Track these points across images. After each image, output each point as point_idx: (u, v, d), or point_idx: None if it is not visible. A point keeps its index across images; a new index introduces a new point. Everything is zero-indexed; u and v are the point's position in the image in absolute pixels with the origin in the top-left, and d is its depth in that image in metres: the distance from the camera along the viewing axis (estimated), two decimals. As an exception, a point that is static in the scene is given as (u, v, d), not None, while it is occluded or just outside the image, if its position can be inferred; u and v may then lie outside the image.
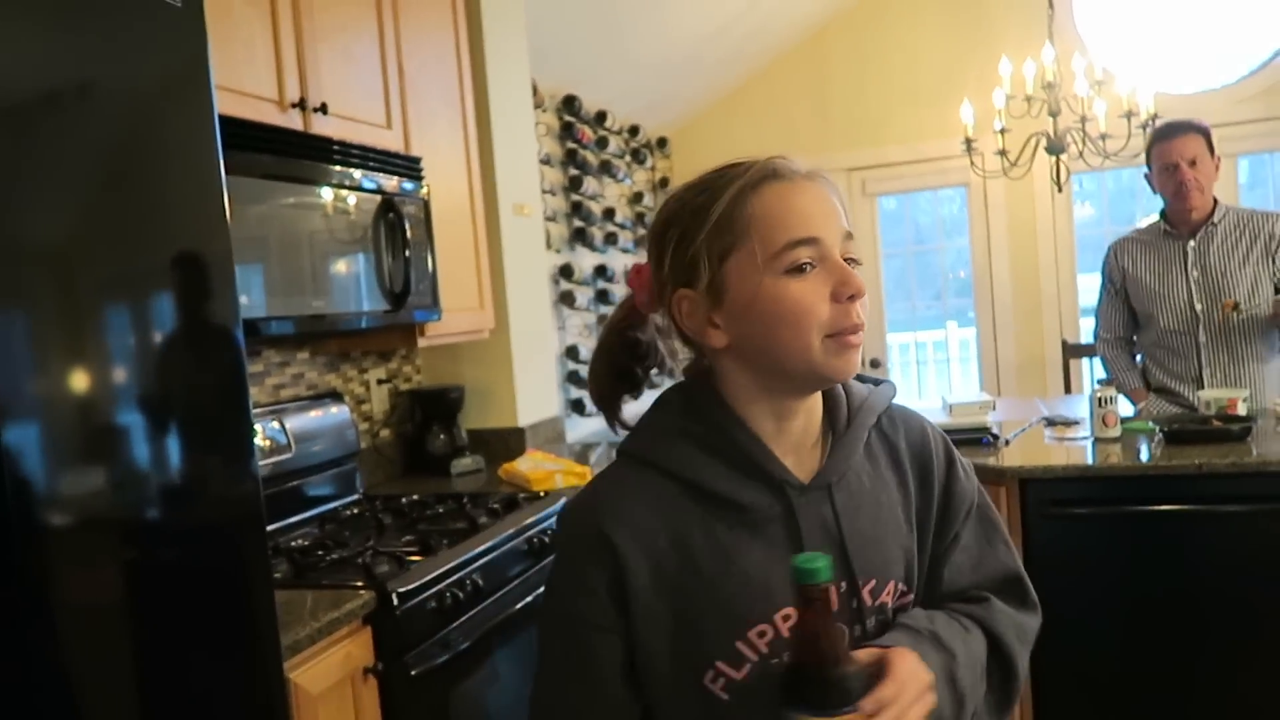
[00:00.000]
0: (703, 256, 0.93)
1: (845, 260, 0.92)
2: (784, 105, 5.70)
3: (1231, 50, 5.10)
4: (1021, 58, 4.24)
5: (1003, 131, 4.04)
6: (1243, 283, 2.81)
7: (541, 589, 2.25)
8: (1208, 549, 2.34)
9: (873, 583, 0.97)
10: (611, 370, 1.04)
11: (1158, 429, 2.56)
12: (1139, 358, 3.13)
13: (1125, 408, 2.97)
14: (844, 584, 0.96)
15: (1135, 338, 3.13)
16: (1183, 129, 2.83)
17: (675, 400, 1.00)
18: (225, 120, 1.84)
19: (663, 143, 5.80)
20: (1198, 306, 2.85)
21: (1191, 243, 2.88)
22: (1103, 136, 4.02)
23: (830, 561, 0.83)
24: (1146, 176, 2.96)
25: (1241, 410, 2.55)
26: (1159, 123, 2.97)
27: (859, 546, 0.96)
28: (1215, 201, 2.89)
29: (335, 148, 2.23)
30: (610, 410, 1.05)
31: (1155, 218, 3.02)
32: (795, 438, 0.97)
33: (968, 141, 4.06)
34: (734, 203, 0.92)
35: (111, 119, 1.24)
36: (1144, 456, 2.41)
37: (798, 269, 0.90)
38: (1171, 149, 2.82)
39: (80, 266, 1.19)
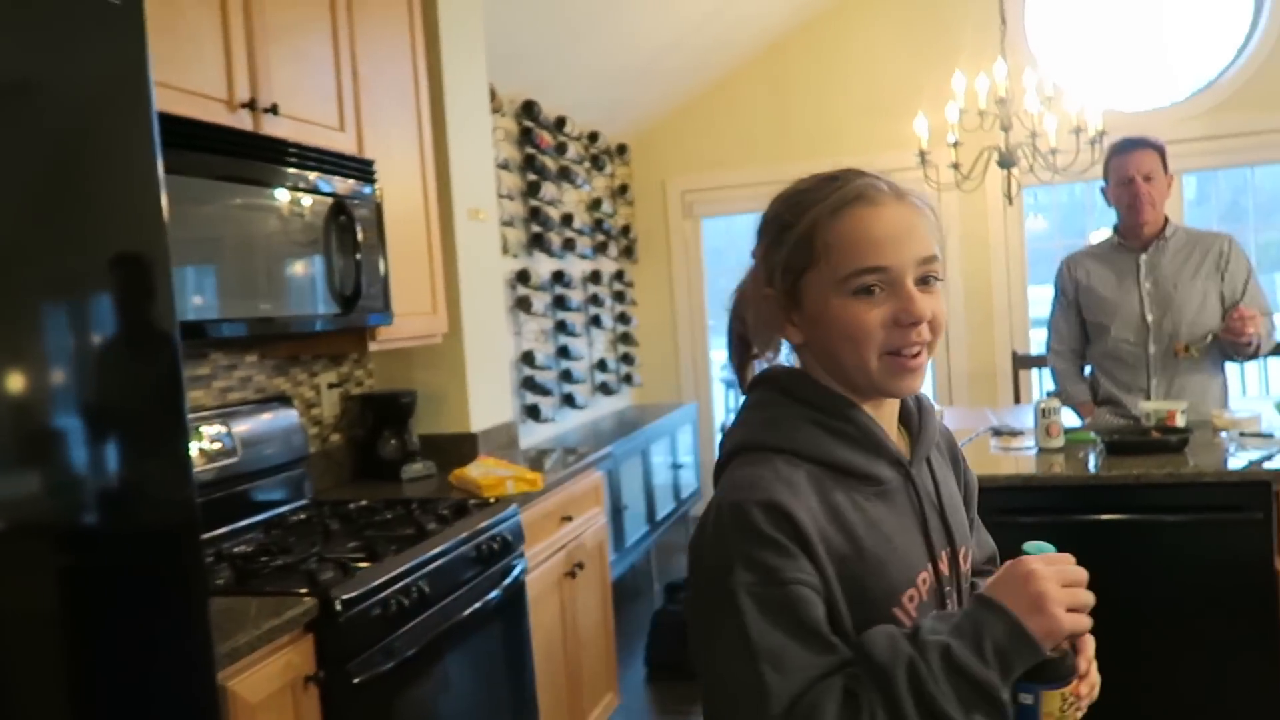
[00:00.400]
0: (784, 267, 1.02)
1: (925, 279, 0.98)
2: (743, 114, 5.74)
3: (1178, 69, 5.22)
4: (975, 73, 4.31)
5: (956, 145, 4.10)
6: (1193, 297, 2.87)
7: (493, 594, 2.26)
8: (1147, 557, 2.39)
9: (964, 549, 1.09)
10: (736, 336, 1.12)
11: (1099, 439, 2.61)
12: (1088, 370, 3.18)
13: (1070, 419, 3.02)
14: (948, 550, 1.05)
15: (1086, 351, 3.17)
16: (1140, 145, 2.90)
17: (777, 394, 1.05)
18: (173, 120, 1.83)
19: (622, 149, 5.81)
20: (1149, 317, 2.91)
21: (1144, 256, 2.94)
22: (1052, 151, 4.10)
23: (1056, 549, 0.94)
24: (1103, 190, 3.02)
25: (1180, 422, 2.61)
26: (1116, 138, 3.03)
27: (953, 515, 1.08)
28: (1166, 219, 2.96)
29: (285, 149, 2.21)
30: (738, 373, 1.12)
31: (1108, 232, 3.08)
32: (886, 421, 1.05)
33: (922, 154, 4.11)
34: (813, 226, 0.99)
35: (47, 118, 1.22)
36: (1090, 467, 2.45)
37: (865, 291, 0.97)
38: (1128, 163, 2.88)
39: (12, 267, 1.17)
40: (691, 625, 0.99)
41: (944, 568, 1.04)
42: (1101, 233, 3.21)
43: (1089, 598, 0.90)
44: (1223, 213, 5.95)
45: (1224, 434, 2.65)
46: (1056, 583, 0.89)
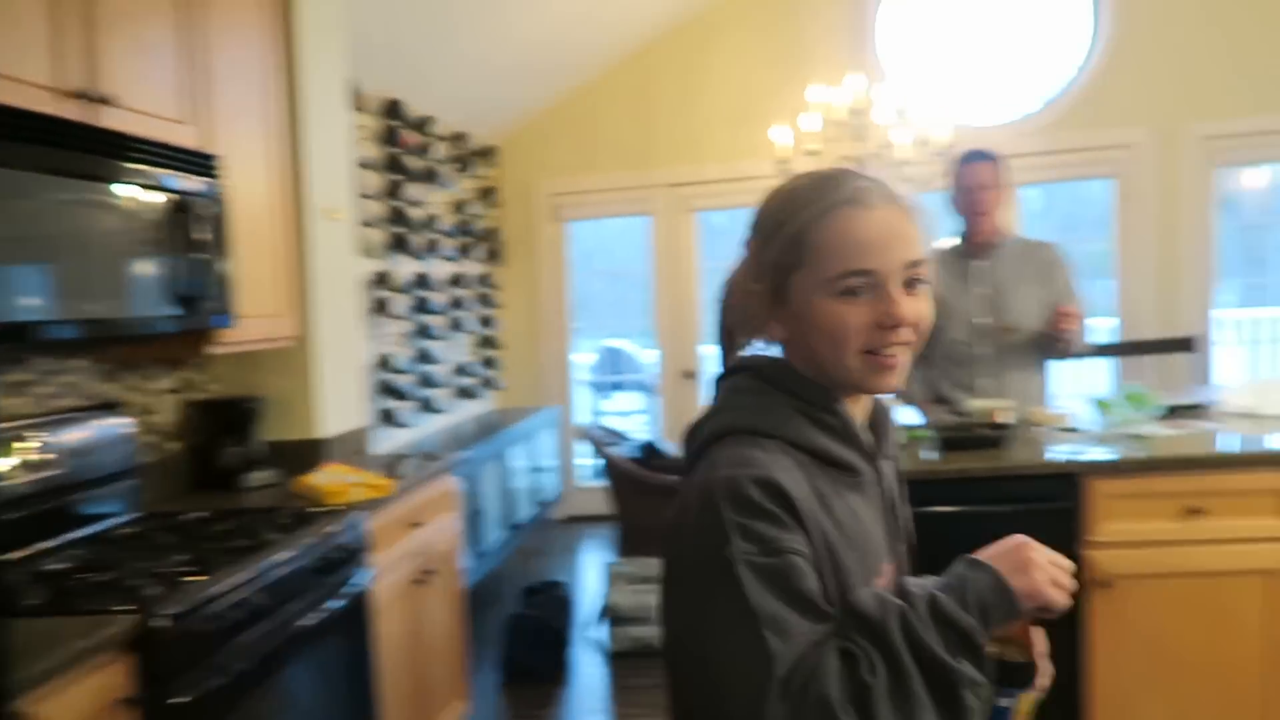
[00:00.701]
0: (773, 266, 1.03)
1: (910, 282, 1.00)
2: (611, 118, 5.78)
3: (1021, 87, 5.52)
4: (832, 84, 4.46)
5: (814, 154, 4.23)
6: (1023, 302, 3.05)
7: (334, 604, 2.21)
8: (976, 546, 2.51)
9: (910, 543, 1.14)
10: (723, 326, 1.14)
11: (935, 436, 2.74)
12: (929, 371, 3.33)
13: (915, 417, 3.15)
14: (901, 544, 1.11)
15: (927, 352, 3.32)
16: (978, 156, 3.07)
17: (760, 383, 1.06)
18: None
19: (490, 151, 5.77)
20: (983, 320, 3.07)
21: (980, 262, 3.10)
22: (903, 163, 4.28)
23: None
24: (950, 199, 3.18)
25: (1006, 419, 2.75)
26: (958, 151, 3.20)
27: (903, 510, 1.15)
28: (1003, 227, 3.13)
29: (123, 143, 2.10)
30: (724, 359, 1.14)
31: (955, 239, 3.23)
32: (859, 417, 1.08)
33: (780, 163, 4.23)
34: (804, 227, 1.01)
35: None
36: (924, 463, 2.57)
37: (850, 292, 0.99)
38: (968, 173, 3.06)
39: None
40: (677, 604, 0.99)
41: (899, 559, 1.10)
42: (948, 240, 3.37)
43: (1071, 583, 0.97)
44: (1062, 223, 6.32)
45: (1041, 430, 2.82)
46: (1044, 556, 0.97)
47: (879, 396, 1.12)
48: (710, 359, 5.95)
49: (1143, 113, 5.25)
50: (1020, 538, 0.99)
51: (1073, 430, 2.80)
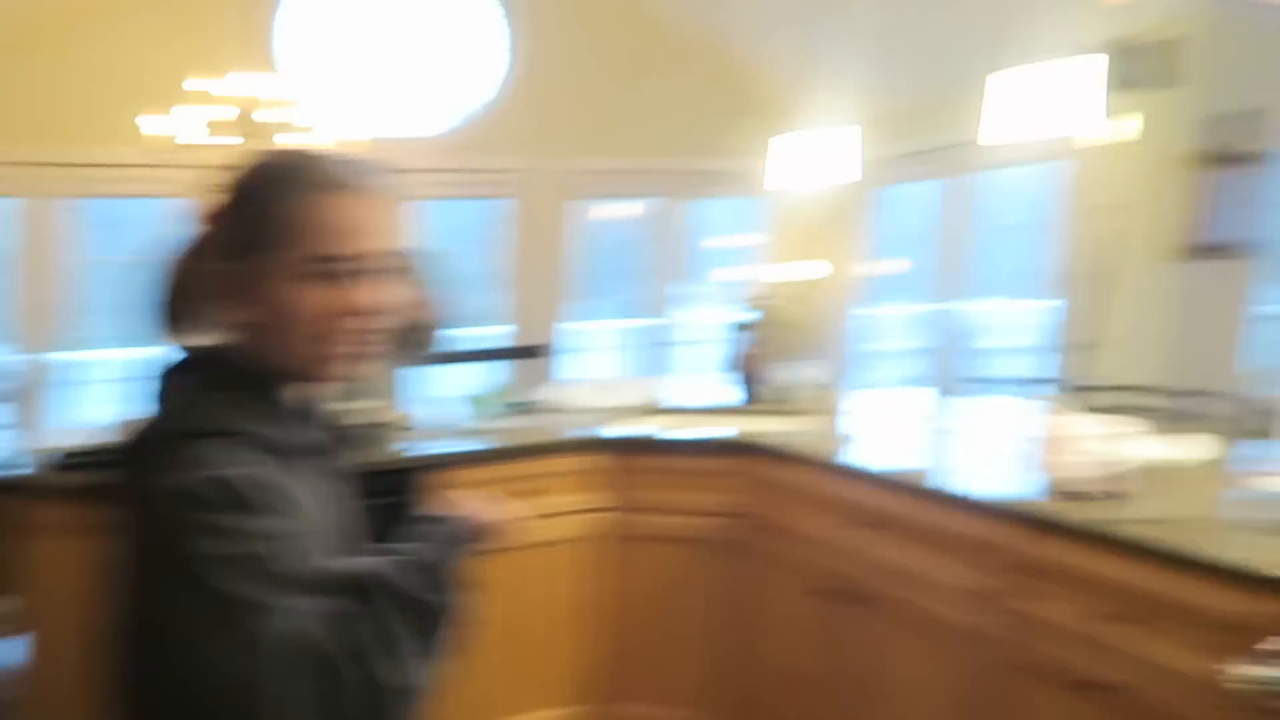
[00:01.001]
0: (236, 244, 0.99)
1: (381, 271, 1.00)
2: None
3: (437, 106, 5.85)
4: (219, 79, 4.29)
5: (206, 147, 4.05)
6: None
7: None
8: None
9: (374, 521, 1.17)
10: (163, 309, 1.06)
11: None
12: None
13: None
14: (359, 526, 1.13)
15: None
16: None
17: (204, 378, 1.02)
18: None
19: None
20: None
21: None
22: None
23: None
24: None
25: (362, 419, 2.84)
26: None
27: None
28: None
29: None
30: (168, 341, 1.07)
31: None
32: (315, 403, 1.08)
33: (156, 153, 3.99)
34: (273, 207, 0.98)
35: None
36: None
37: (319, 277, 0.97)
38: None
39: None
40: (150, 626, 0.94)
41: (355, 539, 1.12)
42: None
43: (504, 510, 1.08)
44: (477, 236, 6.72)
45: (396, 428, 2.95)
46: (473, 498, 1.08)
47: (339, 383, 1.13)
48: (76, 365, 5.45)
49: (535, 144, 5.92)
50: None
51: (407, 429, 2.95)
